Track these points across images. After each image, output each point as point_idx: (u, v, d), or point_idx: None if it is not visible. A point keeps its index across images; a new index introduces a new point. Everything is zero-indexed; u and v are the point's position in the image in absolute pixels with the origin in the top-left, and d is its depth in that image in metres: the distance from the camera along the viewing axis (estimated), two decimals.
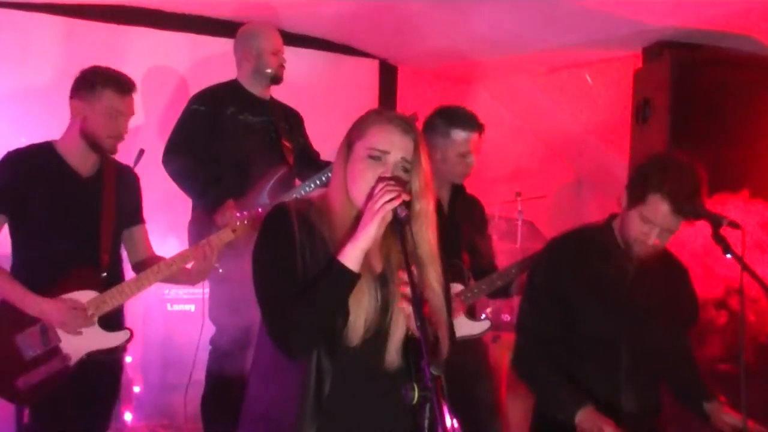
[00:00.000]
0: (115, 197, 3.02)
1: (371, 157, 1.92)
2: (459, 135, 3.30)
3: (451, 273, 3.27)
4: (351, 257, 1.84)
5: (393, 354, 1.93)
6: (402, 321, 1.92)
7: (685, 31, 4.18)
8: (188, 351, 4.20)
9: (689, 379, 2.68)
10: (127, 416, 4.40)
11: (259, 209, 3.23)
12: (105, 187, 3.01)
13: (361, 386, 1.94)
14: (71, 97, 2.96)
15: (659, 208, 2.42)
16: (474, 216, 3.56)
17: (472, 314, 3.44)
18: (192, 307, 4.48)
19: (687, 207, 2.40)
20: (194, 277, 3.14)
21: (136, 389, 4.52)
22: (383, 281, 1.96)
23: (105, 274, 2.95)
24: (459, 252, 3.40)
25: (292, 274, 1.89)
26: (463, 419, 3.55)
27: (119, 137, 2.97)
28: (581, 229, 2.73)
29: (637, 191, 2.47)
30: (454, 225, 3.38)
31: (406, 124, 1.97)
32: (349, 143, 1.98)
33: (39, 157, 2.94)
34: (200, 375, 3.88)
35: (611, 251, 2.61)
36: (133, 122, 3.06)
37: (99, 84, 2.91)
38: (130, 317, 3.18)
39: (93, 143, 2.94)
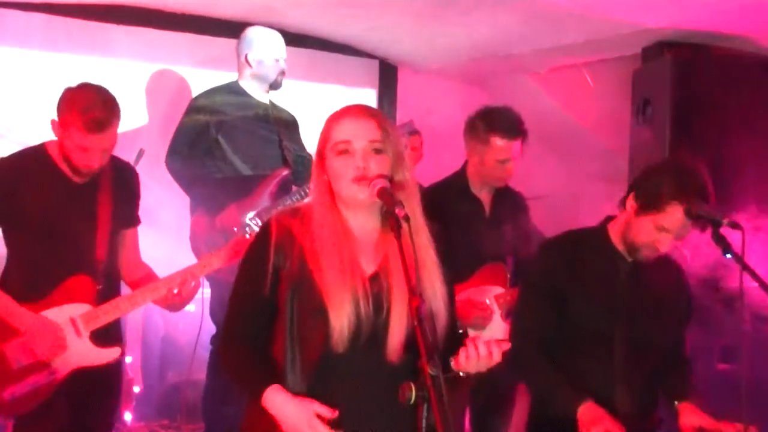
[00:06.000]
0: (111, 200, 2.86)
1: (339, 153, 1.94)
2: (498, 142, 3.17)
3: (491, 276, 3.25)
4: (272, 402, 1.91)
5: (394, 351, 1.91)
6: (402, 318, 1.90)
7: (685, 31, 4.17)
8: (188, 351, 4.20)
9: (675, 376, 2.68)
10: (127, 416, 4.41)
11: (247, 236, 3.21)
12: (101, 191, 2.85)
13: (355, 387, 1.93)
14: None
15: (678, 217, 2.40)
16: (517, 216, 3.45)
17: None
18: (192, 307, 4.47)
19: (703, 214, 2.38)
20: (173, 304, 2.91)
21: (136, 389, 4.53)
22: (375, 280, 1.95)
23: (101, 286, 2.82)
24: (502, 254, 3.35)
25: (251, 305, 2.00)
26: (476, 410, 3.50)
27: (91, 168, 2.78)
28: (575, 231, 2.74)
29: (651, 199, 2.43)
30: (496, 227, 3.32)
31: (361, 110, 1.99)
32: (319, 153, 2.00)
33: (30, 162, 2.81)
34: (199, 375, 3.88)
35: (605, 251, 2.61)
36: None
37: (66, 111, 2.70)
38: (131, 317, 3.13)
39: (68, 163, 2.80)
